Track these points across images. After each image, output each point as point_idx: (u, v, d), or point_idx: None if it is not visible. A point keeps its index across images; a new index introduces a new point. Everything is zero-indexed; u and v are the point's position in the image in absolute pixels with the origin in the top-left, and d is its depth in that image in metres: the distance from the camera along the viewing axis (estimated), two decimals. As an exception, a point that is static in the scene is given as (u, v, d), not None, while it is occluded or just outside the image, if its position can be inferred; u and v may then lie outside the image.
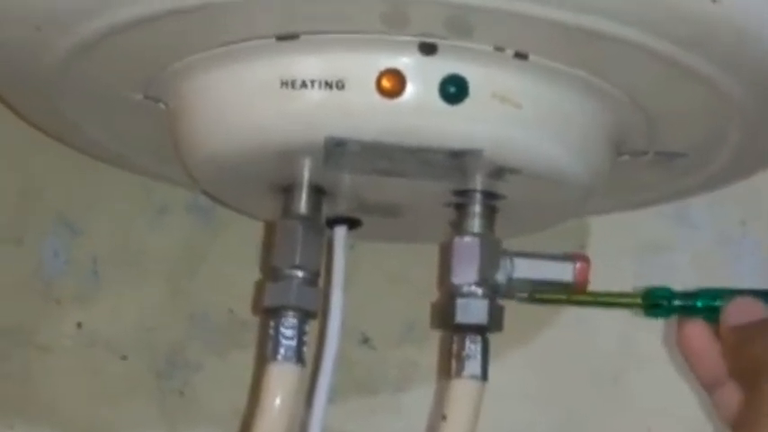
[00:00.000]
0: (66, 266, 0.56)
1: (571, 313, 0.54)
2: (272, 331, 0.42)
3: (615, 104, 0.40)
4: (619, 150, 0.43)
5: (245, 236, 0.55)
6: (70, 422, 0.55)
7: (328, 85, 0.38)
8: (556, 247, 0.46)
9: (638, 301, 0.41)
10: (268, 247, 0.52)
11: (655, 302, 0.41)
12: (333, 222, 0.46)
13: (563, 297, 0.42)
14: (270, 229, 0.52)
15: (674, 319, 0.42)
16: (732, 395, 0.39)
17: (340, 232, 0.46)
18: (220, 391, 0.54)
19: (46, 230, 0.56)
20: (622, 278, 0.53)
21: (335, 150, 0.39)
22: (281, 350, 0.42)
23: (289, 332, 0.42)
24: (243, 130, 0.40)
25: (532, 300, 0.42)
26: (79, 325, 0.55)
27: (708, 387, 0.41)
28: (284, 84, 0.38)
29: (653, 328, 0.52)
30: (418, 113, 0.38)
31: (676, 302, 0.41)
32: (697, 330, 0.40)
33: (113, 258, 0.56)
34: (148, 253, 0.56)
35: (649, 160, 0.44)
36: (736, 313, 0.39)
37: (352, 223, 0.47)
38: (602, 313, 0.53)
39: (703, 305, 0.40)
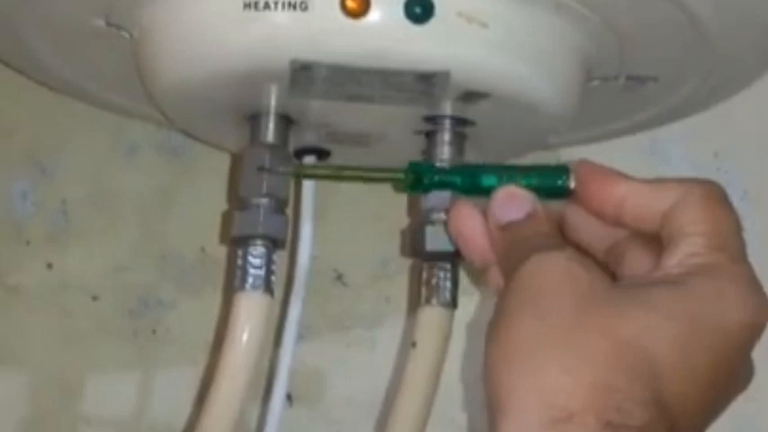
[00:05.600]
0: (36, 208, 0.56)
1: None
2: (240, 260, 0.42)
3: (585, 25, 0.40)
4: (589, 75, 0.43)
5: (216, 175, 0.55)
6: (41, 364, 0.54)
7: (291, 5, 0.37)
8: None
9: (401, 176, 0.39)
10: (234, 178, 0.52)
11: (416, 177, 0.39)
12: (302, 153, 0.46)
13: (329, 172, 0.42)
14: (236, 161, 0.51)
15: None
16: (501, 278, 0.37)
17: (309, 162, 0.46)
18: (193, 329, 0.54)
19: (15, 171, 0.56)
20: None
21: (301, 74, 0.38)
22: (250, 279, 0.41)
23: (257, 261, 0.41)
24: (207, 56, 0.39)
25: (297, 175, 0.42)
26: (49, 266, 0.55)
27: (477, 267, 0.38)
28: (247, 5, 0.37)
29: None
30: (383, 34, 0.37)
31: (437, 178, 0.39)
32: (464, 212, 0.37)
33: (83, 199, 0.56)
34: (119, 193, 0.56)
35: (620, 85, 0.44)
36: (503, 206, 0.36)
37: (321, 154, 0.46)
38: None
39: (464, 183, 0.38)
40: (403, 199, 0.52)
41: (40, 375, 0.55)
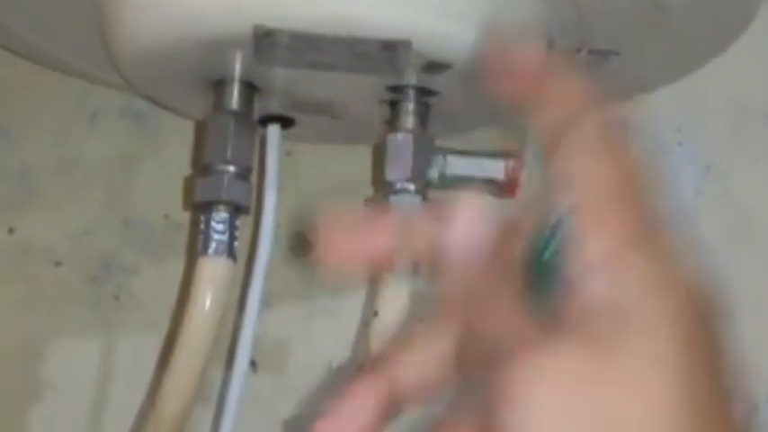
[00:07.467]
0: (-2, 172, 0.55)
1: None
2: (203, 226, 0.42)
3: (547, -3, 0.40)
4: (551, 47, 0.43)
5: (180, 141, 0.54)
6: (3, 329, 0.54)
7: (256, -29, 0.37)
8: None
9: None
10: (198, 145, 0.52)
11: None
12: (266, 121, 0.46)
13: None
14: (200, 128, 0.51)
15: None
16: None
17: (273, 131, 0.46)
18: (156, 295, 0.54)
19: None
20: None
21: (265, 41, 0.39)
22: (213, 244, 0.42)
23: (220, 227, 0.42)
24: (170, 20, 0.39)
25: None
26: (11, 230, 0.55)
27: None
28: (211, -30, 0.37)
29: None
30: (347, 1, 0.38)
31: None
32: None
33: (46, 164, 0.55)
34: (82, 158, 0.55)
35: (582, 59, 0.44)
36: None
37: (286, 122, 0.46)
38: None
39: None
40: (368, 168, 0.52)
41: (2, 341, 0.54)
